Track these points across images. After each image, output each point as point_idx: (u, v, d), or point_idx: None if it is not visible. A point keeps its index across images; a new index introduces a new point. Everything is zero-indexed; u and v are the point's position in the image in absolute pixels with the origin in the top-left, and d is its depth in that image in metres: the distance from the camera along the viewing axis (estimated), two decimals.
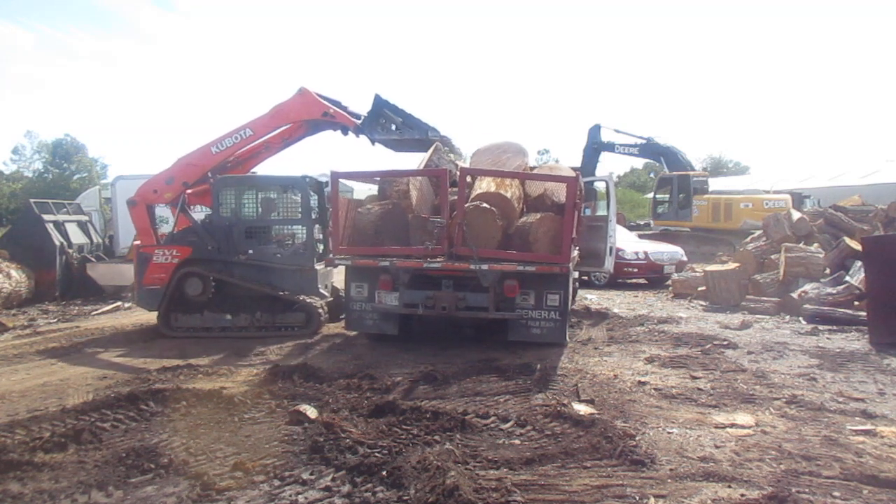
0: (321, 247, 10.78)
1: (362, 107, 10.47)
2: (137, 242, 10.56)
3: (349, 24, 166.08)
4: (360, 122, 10.05)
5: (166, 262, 9.87)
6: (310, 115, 10.04)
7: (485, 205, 8.23)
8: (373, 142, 10.06)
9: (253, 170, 11.08)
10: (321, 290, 10.10)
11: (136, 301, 10.54)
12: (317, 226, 10.67)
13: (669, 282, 14.60)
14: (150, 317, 10.39)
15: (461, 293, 8.17)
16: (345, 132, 10.24)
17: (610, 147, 23.89)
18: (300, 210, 10.17)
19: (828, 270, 11.68)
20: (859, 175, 34.92)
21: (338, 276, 10.95)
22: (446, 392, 6.32)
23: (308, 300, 9.75)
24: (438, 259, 8.17)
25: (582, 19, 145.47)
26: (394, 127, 9.90)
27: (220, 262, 9.93)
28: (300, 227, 10.27)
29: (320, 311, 9.74)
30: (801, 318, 10.38)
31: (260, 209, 10.45)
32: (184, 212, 10.38)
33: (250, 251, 9.92)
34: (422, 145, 10.18)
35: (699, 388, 6.46)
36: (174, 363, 7.81)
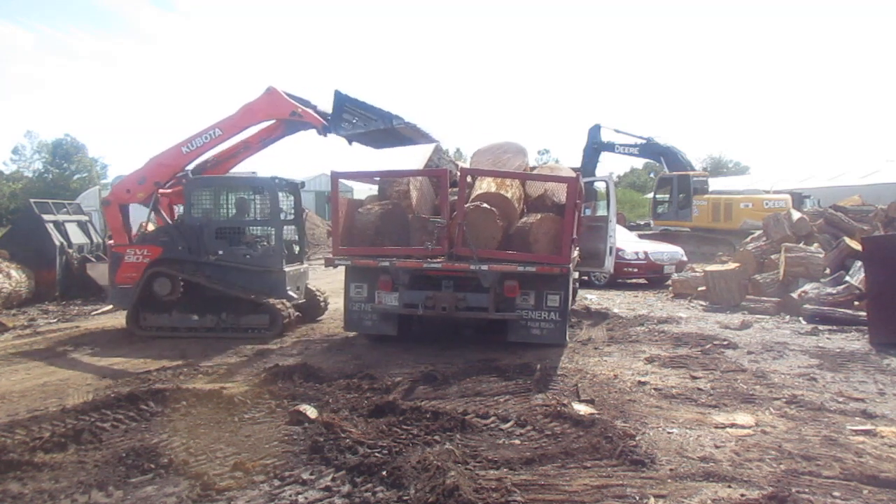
0: (297, 248, 10.81)
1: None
2: (111, 242, 10.63)
3: (350, 23, 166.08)
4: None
5: (138, 261, 9.97)
6: (277, 115, 9.97)
7: (485, 205, 8.23)
8: (350, 141, 9.87)
9: (244, 170, 11.02)
10: (290, 292, 10.06)
11: (110, 299, 10.68)
12: (293, 227, 10.75)
13: (669, 282, 14.59)
14: None
15: (461, 293, 8.16)
16: (320, 132, 10.13)
17: (610, 147, 23.90)
18: (269, 211, 10.17)
19: (828, 270, 11.67)
20: (859, 175, 34.93)
21: (315, 278, 10.98)
22: (446, 392, 6.32)
23: (273, 302, 9.68)
24: (438, 259, 8.16)
25: (582, 19, 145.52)
26: (355, 120, 9.60)
27: (191, 263, 9.96)
28: (269, 228, 10.23)
29: (284, 313, 9.66)
30: (801, 318, 10.38)
31: (232, 210, 10.46)
32: (156, 211, 10.41)
33: (220, 252, 9.93)
34: (392, 137, 9.97)
35: (699, 388, 6.46)
36: (174, 363, 7.83)
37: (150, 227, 10.94)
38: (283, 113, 9.89)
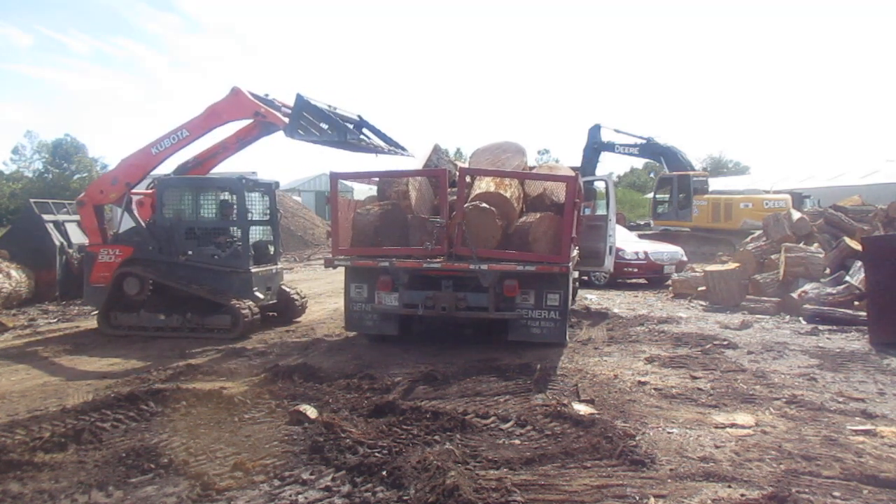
0: (272, 249, 10.79)
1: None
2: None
3: (351, 23, 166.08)
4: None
5: (110, 260, 10.12)
6: (242, 115, 9.92)
7: (484, 205, 8.22)
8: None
9: (214, 170, 10.97)
10: (256, 293, 10.00)
11: (84, 298, 10.80)
12: (268, 228, 10.77)
13: (669, 282, 14.59)
14: None
15: (461, 293, 8.16)
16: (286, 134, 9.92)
17: (610, 147, 23.88)
18: (235, 212, 10.13)
19: (828, 270, 11.67)
20: (859, 175, 34.97)
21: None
22: (446, 392, 6.32)
23: (234, 303, 9.58)
24: (438, 259, 8.16)
25: (582, 19, 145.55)
26: (312, 128, 9.39)
27: (163, 263, 10.04)
28: (235, 228, 10.17)
29: (246, 314, 9.54)
30: (801, 318, 10.38)
31: (201, 211, 10.46)
32: (128, 212, 10.49)
33: (189, 252, 9.99)
34: (355, 146, 9.83)
35: (699, 388, 6.46)
36: (174, 363, 7.83)
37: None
38: (247, 113, 9.83)
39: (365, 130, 10.44)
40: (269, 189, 10.88)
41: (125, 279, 9.90)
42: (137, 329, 9.88)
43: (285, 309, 10.98)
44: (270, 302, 10.60)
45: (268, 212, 10.91)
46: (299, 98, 9.30)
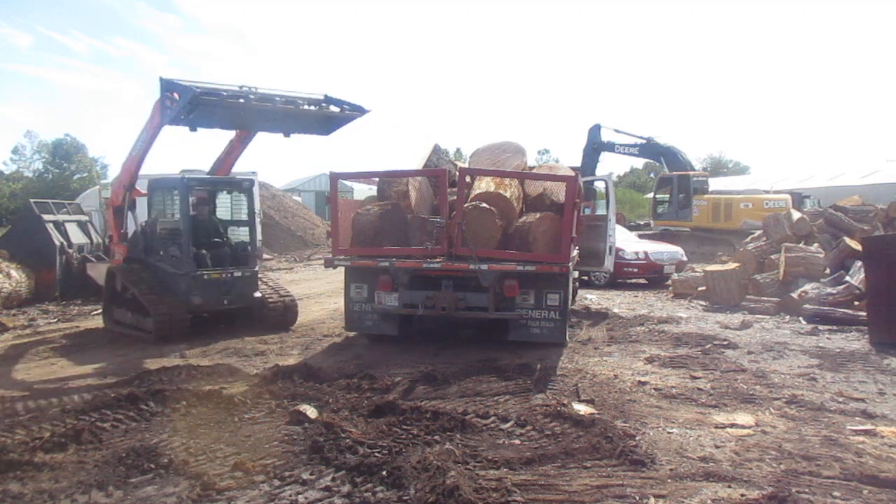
0: (250, 250, 10.69)
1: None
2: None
3: (352, 23, 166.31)
4: None
5: (118, 259, 10.64)
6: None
7: (484, 205, 8.23)
8: (191, 127, 9.05)
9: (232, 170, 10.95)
10: (192, 298, 9.66)
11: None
12: (246, 228, 10.81)
13: (669, 282, 14.59)
14: None
15: (461, 293, 8.15)
16: None
17: (610, 147, 23.89)
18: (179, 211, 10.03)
19: (828, 270, 11.67)
20: (859, 175, 34.98)
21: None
22: (446, 392, 6.32)
23: (154, 306, 9.37)
24: (438, 259, 8.16)
25: (582, 19, 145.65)
26: (171, 104, 8.73)
27: (147, 263, 10.24)
28: (180, 229, 9.94)
29: (162, 318, 9.24)
30: (801, 318, 10.38)
31: (166, 211, 10.54)
32: (130, 212, 10.73)
33: (161, 252, 10.11)
34: (241, 116, 9.19)
35: (699, 388, 6.46)
36: (174, 363, 7.82)
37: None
38: None
39: (331, 107, 9.88)
40: (242, 187, 10.58)
41: (113, 278, 10.37)
42: (123, 326, 10.13)
43: (266, 315, 10.21)
44: (230, 307, 10.11)
45: (246, 211, 10.75)
46: (161, 80, 8.78)
